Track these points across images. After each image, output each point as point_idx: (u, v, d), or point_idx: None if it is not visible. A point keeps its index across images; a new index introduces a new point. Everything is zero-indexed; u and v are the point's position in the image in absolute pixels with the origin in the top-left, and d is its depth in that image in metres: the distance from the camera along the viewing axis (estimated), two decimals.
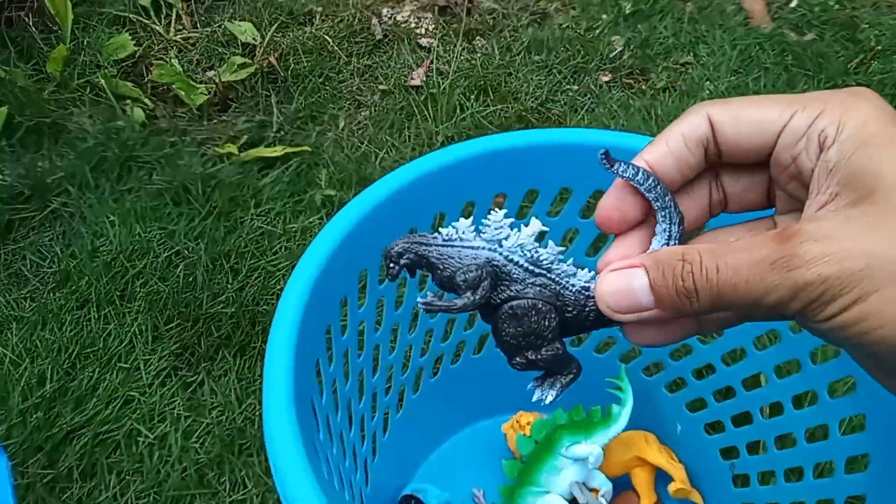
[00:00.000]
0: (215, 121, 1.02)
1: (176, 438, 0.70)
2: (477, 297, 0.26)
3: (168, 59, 1.08)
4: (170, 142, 0.97)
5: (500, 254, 0.27)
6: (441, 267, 0.27)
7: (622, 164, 0.27)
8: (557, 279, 0.27)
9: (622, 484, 0.66)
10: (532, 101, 1.07)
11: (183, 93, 1.01)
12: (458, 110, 1.04)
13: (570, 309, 0.27)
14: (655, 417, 0.68)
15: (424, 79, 1.09)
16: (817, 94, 0.26)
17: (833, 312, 0.23)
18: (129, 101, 1.01)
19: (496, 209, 0.27)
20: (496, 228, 0.27)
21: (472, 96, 1.06)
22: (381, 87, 1.09)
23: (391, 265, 0.27)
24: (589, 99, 1.08)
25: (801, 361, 0.52)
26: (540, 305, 0.27)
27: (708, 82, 1.09)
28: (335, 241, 0.45)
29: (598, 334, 0.67)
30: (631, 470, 0.67)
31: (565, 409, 0.67)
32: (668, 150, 0.27)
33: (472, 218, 0.27)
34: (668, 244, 0.27)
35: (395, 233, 0.49)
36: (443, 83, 1.07)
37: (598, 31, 1.17)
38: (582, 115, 1.06)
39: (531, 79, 1.10)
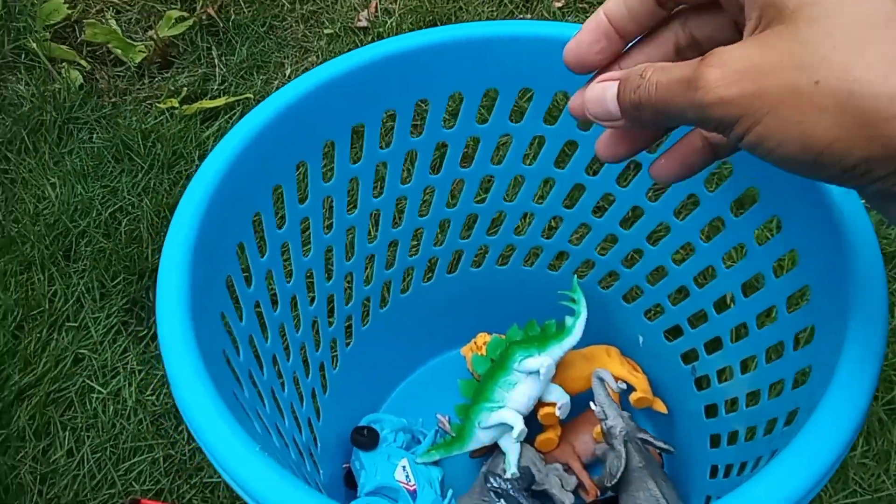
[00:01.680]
0: (157, 78, 0.99)
1: (130, 392, 0.69)
2: None
3: (105, 21, 1.05)
4: (111, 102, 0.94)
5: None
6: None
7: None
8: None
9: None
10: None
11: (120, 51, 0.98)
12: None
13: None
14: (618, 331, 0.67)
15: (372, 19, 1.06)
16: None
17: (738, 134, 0.23)
18: (64, 64, 0.98)
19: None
20: None
21: None
22: (326, 31, 1.05)
23: None
24: None
25: (747, 245, 0.50)
26: None
27: None
28: (237, 151, 0.42)
29: (550, 250, 0.65)
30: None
31: (521, 326, 0.65)
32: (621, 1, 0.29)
33: None
34: None
35: (310, 139, 0.48)
36: (389, 21, 1.03)
37: None
38: None
39: (482, 10, 1.06)
